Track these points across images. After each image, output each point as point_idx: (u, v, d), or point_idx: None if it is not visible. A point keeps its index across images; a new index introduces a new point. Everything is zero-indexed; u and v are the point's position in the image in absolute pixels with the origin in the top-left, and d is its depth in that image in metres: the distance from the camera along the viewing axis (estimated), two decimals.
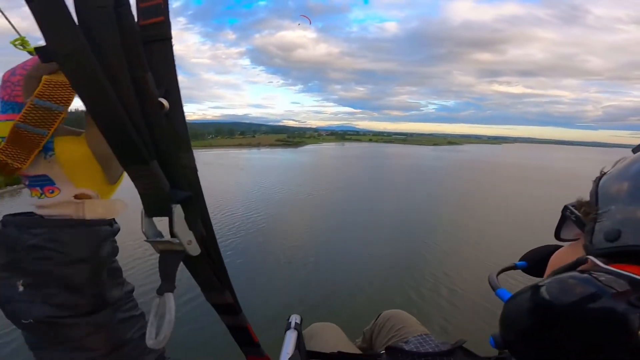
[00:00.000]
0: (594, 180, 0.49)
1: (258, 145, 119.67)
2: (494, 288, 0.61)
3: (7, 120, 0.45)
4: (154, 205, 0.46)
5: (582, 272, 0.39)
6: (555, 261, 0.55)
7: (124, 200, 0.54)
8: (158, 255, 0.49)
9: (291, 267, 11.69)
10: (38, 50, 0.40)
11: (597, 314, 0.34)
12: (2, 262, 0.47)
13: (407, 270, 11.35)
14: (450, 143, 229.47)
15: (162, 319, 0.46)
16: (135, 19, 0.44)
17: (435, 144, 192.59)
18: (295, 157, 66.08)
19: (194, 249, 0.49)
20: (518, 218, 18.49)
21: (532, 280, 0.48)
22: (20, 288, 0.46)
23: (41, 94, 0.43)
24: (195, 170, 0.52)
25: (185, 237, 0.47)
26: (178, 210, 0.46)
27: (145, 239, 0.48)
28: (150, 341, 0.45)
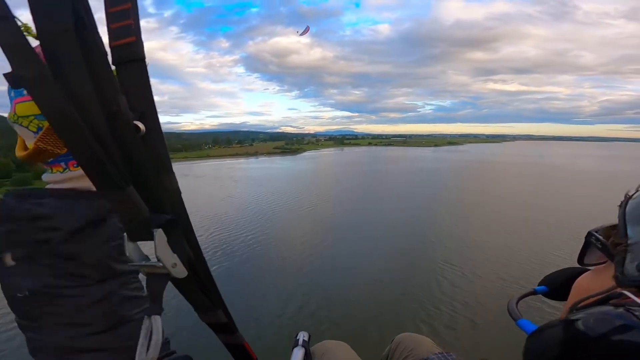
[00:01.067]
0: (620, 205, 0.47)
1: (256, 154, 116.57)
2: (515, 318, 0.58)
3: (23, 102, 0.48)
4: (135, 230, 0.46)
5: (616, 306, 0.37)
6: (581, 288, 0.53)
7: None
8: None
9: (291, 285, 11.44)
10: (6, 76, 0.40)
11: (635, 351, 0.32)
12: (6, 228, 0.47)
13: (418, 291, 10.74)
14: (450, 143, 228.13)
15: (151, 339, 0.46)
16: (107, 41, 0.44)
17: (436, 145, 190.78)
18: (294, 166, 63.38)
19: (180, 272, 0.48)
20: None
21: (552, 304, 0.46)
22: (11, 262, 0.47)
23: None
24: (178, 192, 0.52)
25: (169, 260, 0.47)
26: (160, 234, 0.46)
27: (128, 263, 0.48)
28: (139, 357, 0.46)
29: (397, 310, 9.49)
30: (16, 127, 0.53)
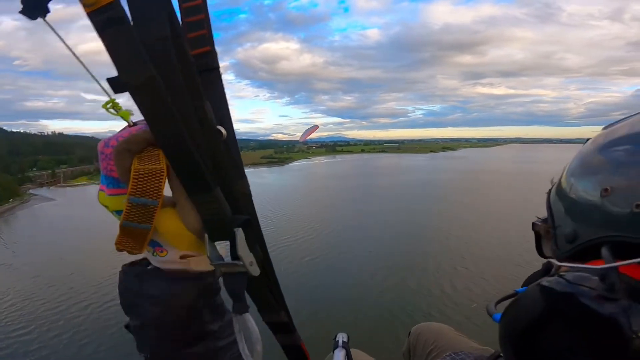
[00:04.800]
0: (547, 192, 0.53)
1: None
2: (490, 314, 0.60)
3: (111, 195, 0.48)
4: (217, 230, 0.49)
5: (551, 276, 0.40)
6: None
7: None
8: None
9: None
10: (110, 81, 0.40)
11: (574, 312, 0.34)
12: (122, 305, 0.53)
13: None
14: (445, 148, 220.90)
15: (249, 337, 0.51)
16: None
17: (431, 151, 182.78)
18: (276, 182, 53.25)
19: (255, 270, 0.51)
20: None
21: None
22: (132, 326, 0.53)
23: (134, 191, 0.44)
24: (250, 195, 0.57)
25: (248, 258, 0.49)
26: (240, 233, 0.48)
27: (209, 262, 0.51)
28: (246, 358, 0.50)
29: None
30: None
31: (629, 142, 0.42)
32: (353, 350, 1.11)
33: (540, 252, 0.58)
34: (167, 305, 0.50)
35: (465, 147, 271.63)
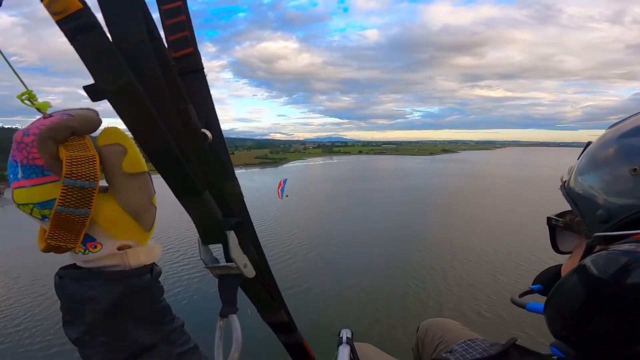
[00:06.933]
0: (561, 188, 0.56)
1: None
2: (523, 305, 0.60)
3: (34, 185, 0.44)
4: (209, 234, 0.49)
5: (602, 250, 0.40)
6: (567, 270, 0.55)
7: (160, 243, 0.56)
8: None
9: None
10: (86, 88, 0.38)
11: None
12: (64, 306, 0.50)
13: None
14: (444, 151, 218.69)
15: (232, 338, 0.50)
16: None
17: (431, 153, 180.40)
18: (263, 186, 49.41)
19: (250, 272, 0.51)
20: None
21: None
22: (74, 336, 0.50)
23: (69, 173, 0.41)
24: (241, 196, 0.56)
25: (241, 261, 0.50)
26: (232, 236, 0.48)
27: (204, 265, 0.51)
28: None
29: None
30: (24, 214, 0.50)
31: None
32: (359, 344, 1.11)
33: (555, 247, 0.61)
34: (103, 309, 0.47)
35: (464, 149, 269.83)
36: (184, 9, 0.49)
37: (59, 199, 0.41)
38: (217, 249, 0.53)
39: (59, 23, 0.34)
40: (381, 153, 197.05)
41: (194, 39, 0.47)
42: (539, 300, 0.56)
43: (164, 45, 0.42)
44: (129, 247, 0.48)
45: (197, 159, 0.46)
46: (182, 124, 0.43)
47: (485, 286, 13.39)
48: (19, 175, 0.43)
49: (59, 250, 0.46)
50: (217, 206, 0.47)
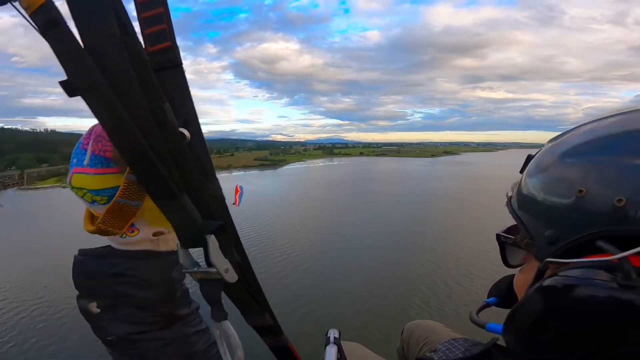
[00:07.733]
0: (507, 205, 0.55)
1: (229, 167, 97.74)
2: (482, 325, 0.60)
3: (97, 174, 0.48)
4: (188, 238, 0.48)
5: (552, 276, 0.40)
6: (520, 283, 0.56)
7: None
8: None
9: None
10: (62, 84, 0.38)
11: (595, 306, 0.34)
12: (80, 289, 0.55)
13: None
14: (446, 152, 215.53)
15: (230, 344, 0.51)
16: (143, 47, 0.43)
17: (433, 155, 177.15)
18: (261, 189, 46.86)
19: (232, 277, 0.50)
20: None
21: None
22: (96, 310, 0.54)
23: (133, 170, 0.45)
24: (223, 199, 0.55)
25: (222, 265, 0.48)
26: (212, 240, 0.47)
27: (183, 269, 0.50)
28: None
29: None
30: (74, 194, 0.53)
31: (594, 145, 0.45)
32: (347, 343, 1.11)
33: (505, 262, 0.61)
34: (135, 283, 0.52)
35: (465, 151, 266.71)
36: (161, 0, 0.45)
37: (121, 191, 0.46)
38: (198, 251, 0.51)
39: (30, 18, 0.34)
40: (382, 155, 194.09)
41: (173, 32, 0.44)
42: (496, 312, 0.60)
43: (137, 39, 0.41)
44: (162, 233, 0.55)
45: (174, 159, 0.44)
46: (157, 122, 0.42)
47: (471, 289, 12.59)
48: (85, 162, 0.48)
49: (106, 233, 0.51)
50: (196, 209, 0.46)
